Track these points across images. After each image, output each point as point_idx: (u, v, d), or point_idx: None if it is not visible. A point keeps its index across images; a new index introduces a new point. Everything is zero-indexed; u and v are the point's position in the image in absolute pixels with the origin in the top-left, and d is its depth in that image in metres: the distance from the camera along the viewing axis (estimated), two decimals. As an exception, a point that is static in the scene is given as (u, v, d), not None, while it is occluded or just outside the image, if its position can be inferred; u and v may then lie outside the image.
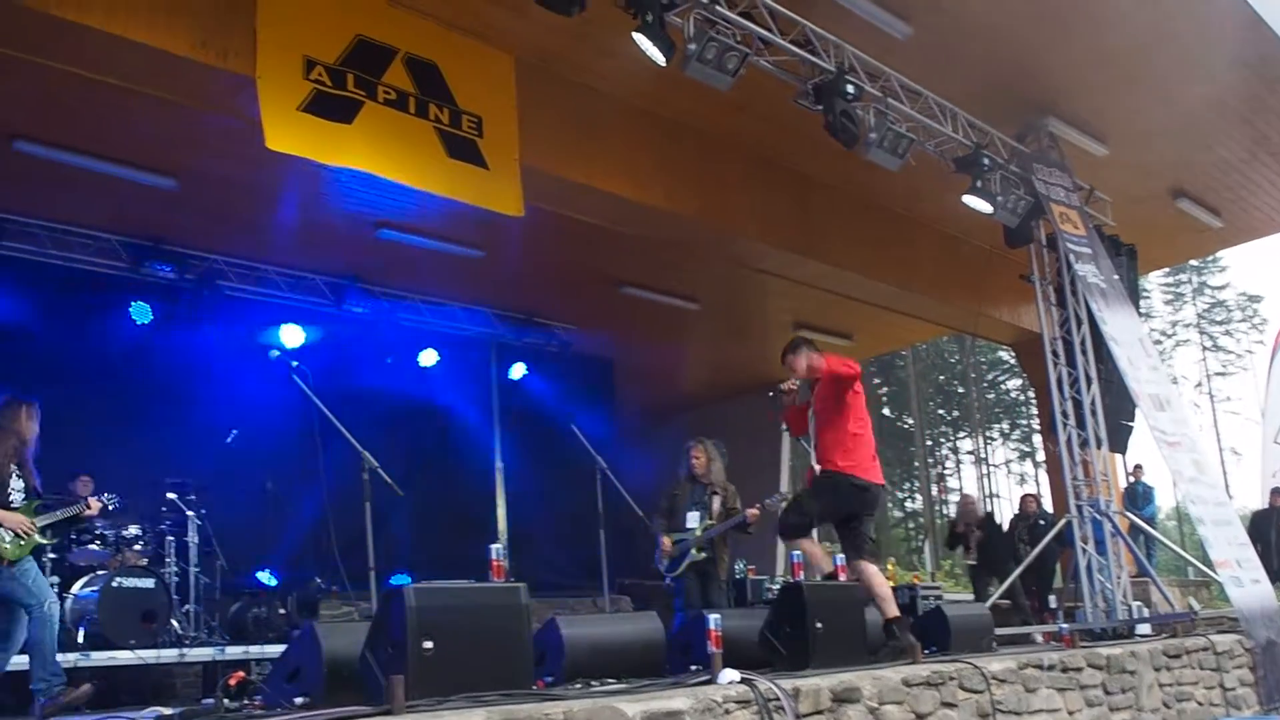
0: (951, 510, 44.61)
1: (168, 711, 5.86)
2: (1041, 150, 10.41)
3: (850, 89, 8.09)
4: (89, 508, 6.84)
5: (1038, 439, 36.81)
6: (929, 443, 43.27)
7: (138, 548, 8.69)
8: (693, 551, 8.26)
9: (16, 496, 6.47)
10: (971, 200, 9.71)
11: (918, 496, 43.57)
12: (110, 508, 7.37)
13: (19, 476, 6.53)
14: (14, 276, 9.63)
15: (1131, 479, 15.80)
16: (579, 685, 4.96)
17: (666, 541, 8.41)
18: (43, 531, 6.48)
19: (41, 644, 6.23)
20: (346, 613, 9.52)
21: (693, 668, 5.57)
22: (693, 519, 8.40)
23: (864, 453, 6.79)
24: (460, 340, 12.94)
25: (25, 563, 6.39)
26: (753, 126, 9.76)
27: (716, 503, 8.40)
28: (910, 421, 42.28)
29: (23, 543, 6.32)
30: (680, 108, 9.39)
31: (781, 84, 8.20)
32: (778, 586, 11.99)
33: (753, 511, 8.27)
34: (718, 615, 5.29)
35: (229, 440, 9.59)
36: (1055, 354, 10.50)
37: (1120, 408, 10.51)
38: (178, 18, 6.81)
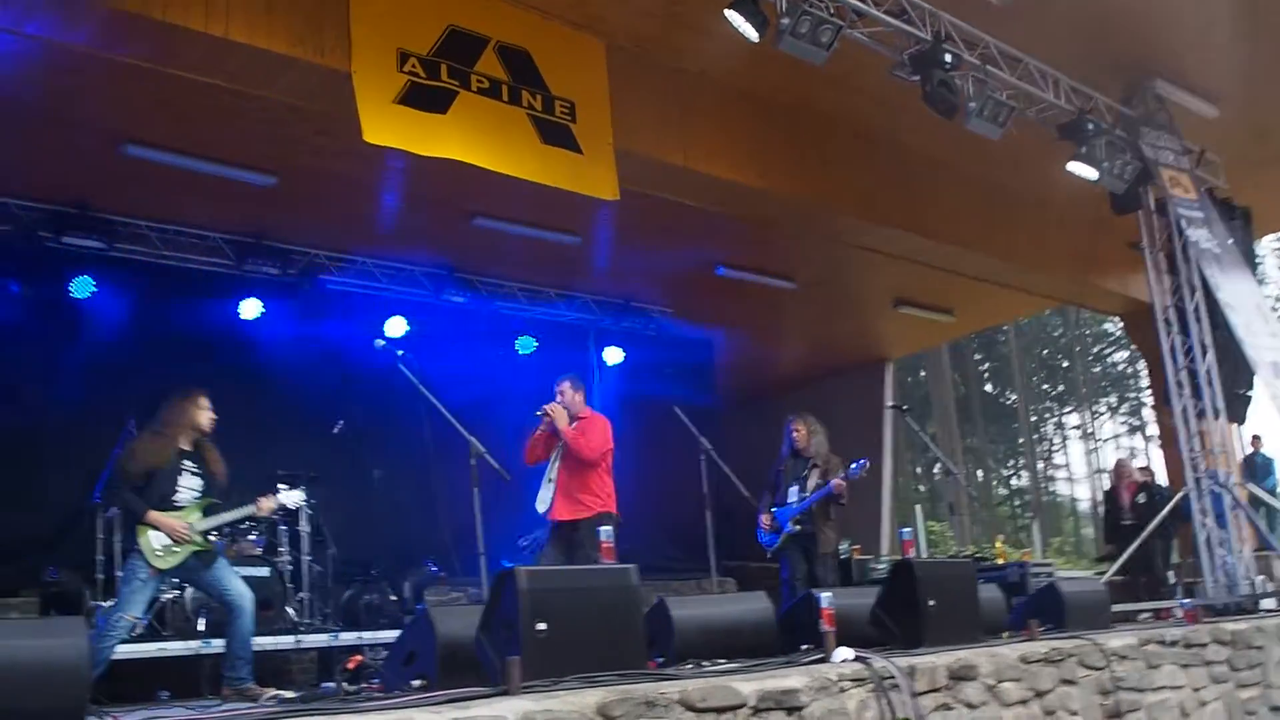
0: (1060, 488, 43.87)
1: (289, 694, 6.00)
2: (1148, 113, 10.10)
3: (948, 58, 7.94)
4: (260, 508, 6.88)
5: (1148, 412, 35.90)
6: (1033, 419, 42.41)
7: (252, 538, 8.88)
8: (790, 524, 8.34)
9: (186, 495, 6.49)
10: (1076, 167, 9.47)
11: (1023, 474, 42.76)
12: (290, 506, 7.44)
13: (193, 474, 6.60)
14: (126, 278, 9.89)
15: (1250, 450, 15.31)
16: (690, 666, 4.95)
17: (765, 517, 8.57)
18: (206, 534, 6.52)
19: (232, 634, 6.43)
20: (455, 598, 9.65)
21: (803, 647, 5.53)
22: (793, 493, 8.55)
23: None
24: (558, 327, 12.99)
25: (216, 560, 6.51)
26: (848, 100, 9.62)
27: (815, 476, 8.45)
28: (1013, 397, 41.49)
29: (176, 549, 6.36)
30: (774, 85, 9.29)
31: (877, 56, 8.07)
32: (883, 566, 11.87)
33: (838, 482, 8.30)
34: (829, 594, 5.24)
35: (336, 431, 9.76)
36: (1168, 323, 10.21)
37: (1237, 377, 10.19)
38: (276, 18, 6.91)
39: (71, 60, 7.21)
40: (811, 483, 8.45)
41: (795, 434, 8.71)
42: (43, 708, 3.30)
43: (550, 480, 7.69)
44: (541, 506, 7.63)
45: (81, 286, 9.68)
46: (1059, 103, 9.23)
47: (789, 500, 8.51)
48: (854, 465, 8.41)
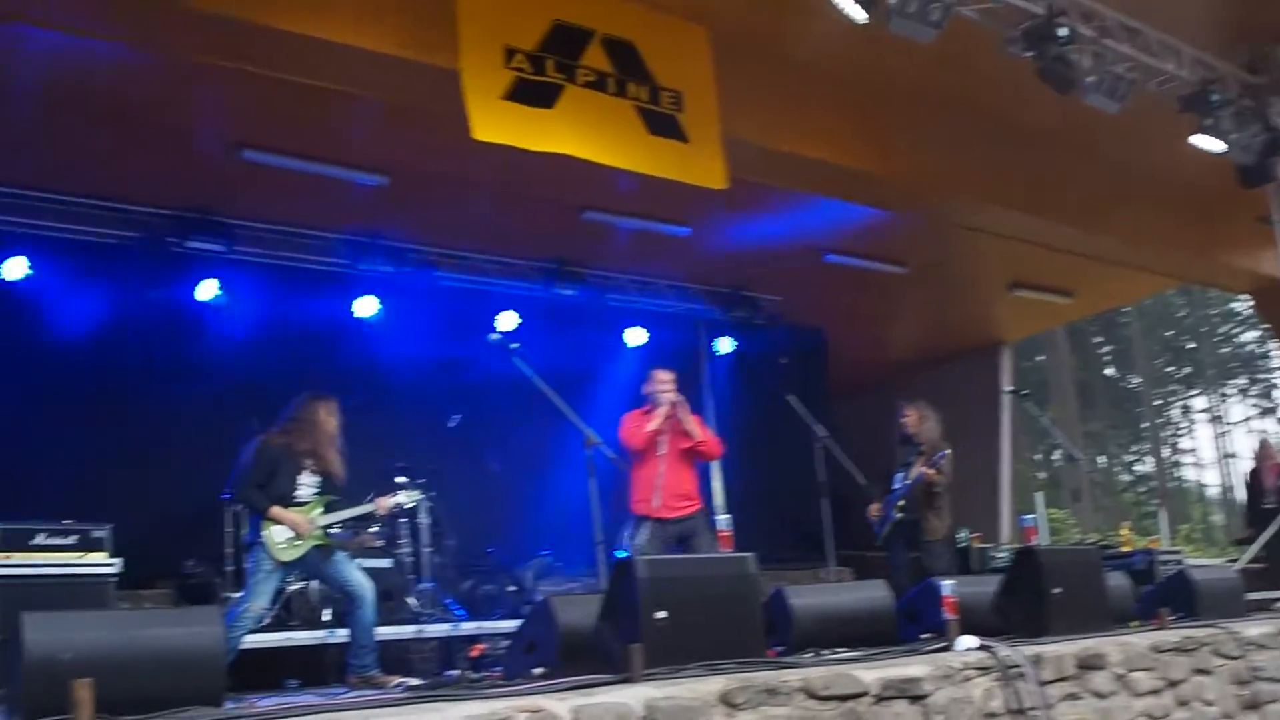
0: (1186, 473, 42.63)
1: (414, 681, 6.12)
2: (1277, 81, 9.71)
3: (1063, 31, 7.72)
4: (379, 508, 7.10)
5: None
6: (1157, 402, 41.26)
7: (373, 530, 9.06)
8: (893, 511, 8.29)
9: (305, 492, 6.75)
10: (1200, 140, 9.15)
11: (1148, 459, 41.63)
12: (407, 505, 7.64)
13: (314, 472, 6.82)
14: (247, 279, 10.15)
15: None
16: (809, 654, 4.92)
17: (875, 505, 8.59)
18: (327, 530, 6.75)
19: (354, 623, 6.65)
20: (570, 588, 9.74)
21: (923, 636, 5.47)
22: (898, 480, 8.55)
23: None
24: (667, 317, 12.99)
25: (335, 553, 6.73)
26: (959, 80, 9.41)
27: (919, 463, 8.40)
28: (1136, 380, 40.44)
29: (298, 543, 6.60)
30: (882, 67, 9.14)
31: (988, 33, 7.90)
32: (1003, 554, 11.66)
33: (928, 471, 8.22)
34: (951, 581, 5.17)
35: (452, 425, 9.90)
36: (1300, 299, 9.83)
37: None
38: (384, 18, 7.03)
39: (187, 70, 7.42)
40: (915, 470, 8.42)
41: (906, 419, 8.69)
42: (183, 692, 3.43)
43: (660, 475, 7.57)
44: (649, 506, 7.52)
45: (206, 289, 9.95)
46: (1181, 74, 8.91)
47: (895, 487, 8.49)
48: (942, 455, 8.36)
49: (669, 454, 7.63)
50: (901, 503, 8.42)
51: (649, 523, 7.48)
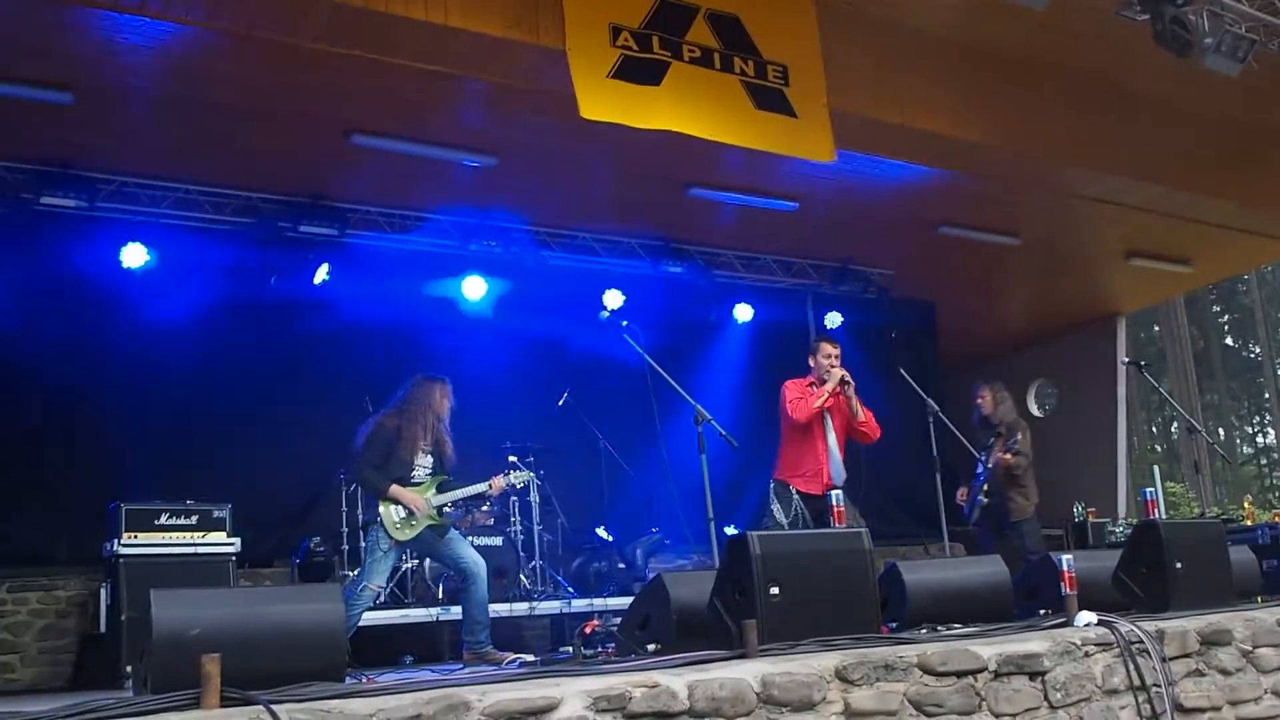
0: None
1: (529, 658, 6.21)
2: None
3: (1180, -8, 7.49)
4: (492, 488, 7.24)
5: None
6: (1280, 373, 39.91)
7: (485, 508, 9.21)
8: (980, 496, 8.22)
9: (421, 473, 6.91)
10: (1325, 100, 8.82)
11: (1270, 431, 40.32)
12: (519, 486, 7.78)
13: (427, 453, 6.97)
14: (359, 262, 10.35)
15: None
16: (924, 630, 4.89)
17: (963, 489, 8.59)
18: (440, 510, 6.91)
19: (468, 600, 6.82)
20: (680, 565, 9.79)
21: (1041, 612, 5.39)
22: (981, 464, 8.54)
23: None
24: (775, 292, 12.93)
25: (448, 532, 6.91)
26: (1071, 46, 9.20)
27: (999, 445, 8.30)
28: (1257, 351, 39.12)
29: (414, 522, 6.75)
30: (990, 35, 8.97)
31: (1100, -3, 7.70)
32: (1120, 529, 11.43)
33: (1004, 457, 8.11)
34: (1070, 556, 5.09)
35: (561, 403, 9.99)
36: None
37: None
38: (491, 1, 7.09)
39: (300, 57, 7.56)
40: (994, 453, 8.32)
41: (981, 402, 8.63)
42: (306, 667, 3.52)
43: (824, 450, 7.29)
44: (804, 480, 7.25)
45: (319, 273, 10.17)
46: (1305, 32, 8.58)
47: (978, 470, 8.43)
48: (1014, 439, 8.34)
49: (832, 429, 7.35)
50: (985, 487, 8.33)
51: (799, 497, 7.23)
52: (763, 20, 7.89)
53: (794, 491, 7.21)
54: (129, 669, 6.37)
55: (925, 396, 8.31)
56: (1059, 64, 9.62)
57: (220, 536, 7.79)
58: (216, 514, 7.83)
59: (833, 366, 7.24)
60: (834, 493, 4.93)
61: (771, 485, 7.35)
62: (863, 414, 7.15)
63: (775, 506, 7.25)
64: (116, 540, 7.48)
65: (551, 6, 7.10)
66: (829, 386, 7.21)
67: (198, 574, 7.50)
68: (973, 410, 8.79)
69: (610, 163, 9.69)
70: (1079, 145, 10.01)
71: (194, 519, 7.77)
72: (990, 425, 8.55)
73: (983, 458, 8.51)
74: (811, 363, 7.49)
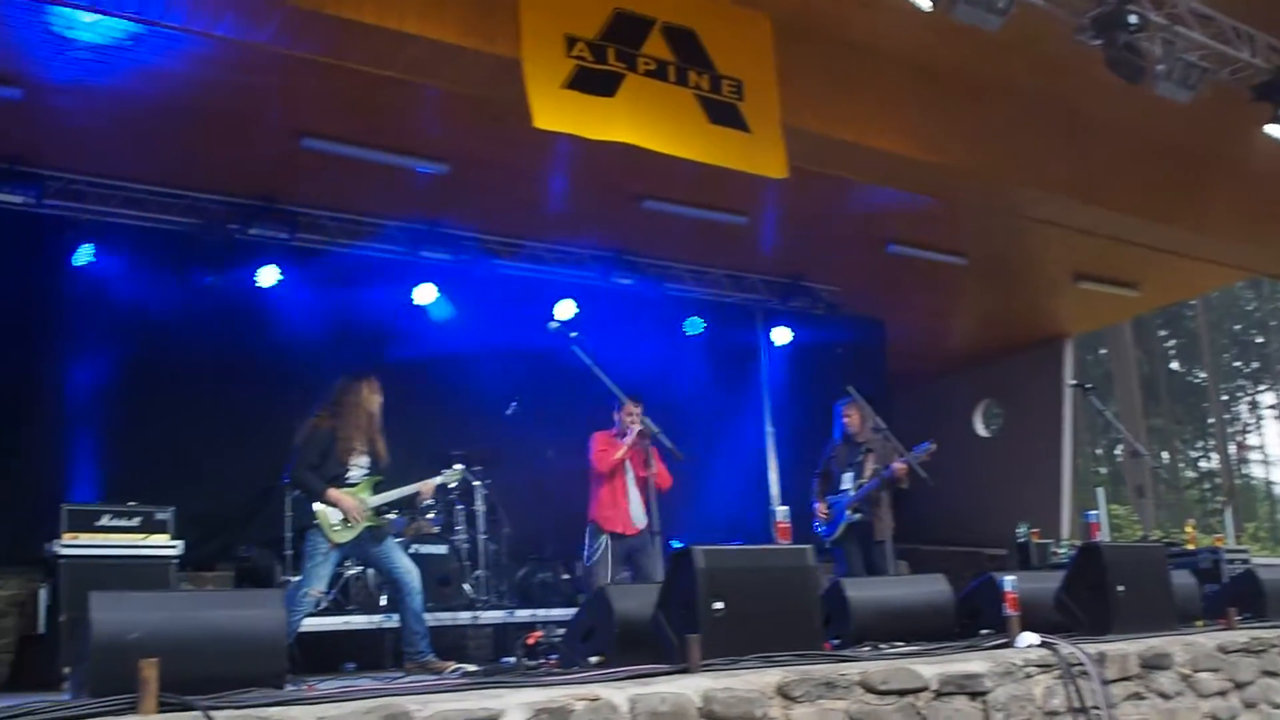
0: (1253, 470, 41.82)
1: (471, 668, 6.15)
2: (1352, 70, 9.46)
3: (1133, 19, 7.55)
4: (422, 493, 7.18)
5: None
6: (1224, 398, 40.53)
7: (430, 516, 9.16)
8: (847, 513, 8.23)
9: (356, 473, 6.83)
10: (1275, 130, 8.94)
11: (1213, 456, 40.93)
12: (450, 485, 7.76)
13: (365, 453, 6.90)
14: (308, 266, 10.25)
15: None
16: (867, 648, 4.89)
17: (821, 506, 8.51)
18: (377, 511, 6.83)
19: (403, 609, 6.76)
20: (625, 577, 9.74)
21: (983, 632, 5.41)
22: (847, 480, 8.44)
23: None
24: (725, 307, 12.96)
25: (386, 539, 6.87)
26: (1023, 68, 9.26)
27: (871, 461, 8.29)
28: (1202, 375, 39.73)
29: (351, 525, 6.68)
30: (944, 56, 9.01)
31: (1054, 20, 7.76)
32: (1064, 550, 11.51)
33: (899, 467, 8.10)
34: (1013, 577, 5.10)
35: (509, 412, 9.93)
36: (1375, 293, 9.59)
37: None
38: (446, 8, 7.04)
39: (253, 59, 7.50)
40: (868, 469, 8.30)
41: (847, 420, 8.65)
42: (245, 673, 3.48)
43: (621, 496, 8.25)
44: (641, 523, 8.05)
45: (267, 276, 10.05)
46: (1255, 61, 8.68)
47: (843, 488, 8.41)
48: (916, 448, 8.19)
49: (631, 478, 8.20)
50: (857, 503, 8.30)
51: (606, 535, 8.13)
52: (719, 35, 7.89)
53: (602, 530, 8.13)
54: (67, 671, 6.26)
55: (872, 415, 8.34)
56: (1011, 85, 9.69)
57: (163, 539, 7.69)
58: (159, 516, 7.72)
59: (633, 424, 7.95)
60: (779, 509, 4.93)
61: (588, 525, 8.34)
62: (655, 466, 7.77)
63: (588, 542, 8.31)
64: (57, 540, 7.36)
65: (507, 15, 7.06)
66: (628, 440, 8.04)
67: (139, 576, 7.38)
68: (835, 427, 8.78)
69: (564, 173, 9.67)
70: (1029, 167, 10.10)
71: (136, 520, 7.66)
72: (855, 444, 8.55)
73: (851, 474, 8.45)
74: (616, 418, 8.23)
